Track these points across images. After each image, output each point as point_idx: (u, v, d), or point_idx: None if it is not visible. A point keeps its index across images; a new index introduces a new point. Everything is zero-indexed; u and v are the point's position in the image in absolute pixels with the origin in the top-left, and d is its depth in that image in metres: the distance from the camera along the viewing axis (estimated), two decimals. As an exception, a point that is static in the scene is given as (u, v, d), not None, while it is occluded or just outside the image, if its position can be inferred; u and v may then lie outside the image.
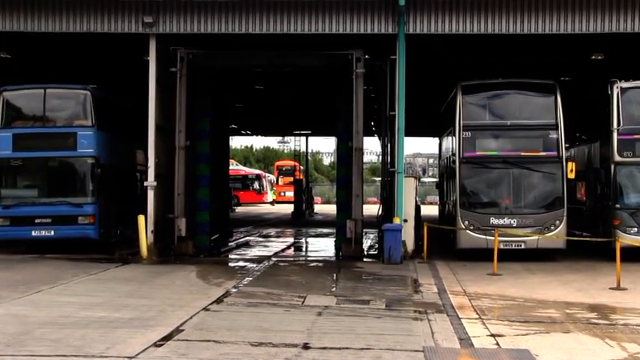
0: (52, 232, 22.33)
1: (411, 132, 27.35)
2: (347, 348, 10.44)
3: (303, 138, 59.03)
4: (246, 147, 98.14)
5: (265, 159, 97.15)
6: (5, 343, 10.47)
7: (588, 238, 21.79)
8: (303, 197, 52.32)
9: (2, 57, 25.37)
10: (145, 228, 21.62)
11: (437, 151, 36.00)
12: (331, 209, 43.37)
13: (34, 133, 22.90)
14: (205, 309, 13.49)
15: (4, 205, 22.35)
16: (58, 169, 23.05)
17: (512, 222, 21.54)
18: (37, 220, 22.27)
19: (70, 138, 22.67)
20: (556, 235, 21.32)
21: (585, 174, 24.36)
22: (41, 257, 21.69)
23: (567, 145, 23.14)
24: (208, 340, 10.83)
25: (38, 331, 11.26)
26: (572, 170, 21.60)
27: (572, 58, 26.01)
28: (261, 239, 32.51)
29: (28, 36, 22.53)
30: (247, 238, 32.32)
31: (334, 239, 26.81)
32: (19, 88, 23.24)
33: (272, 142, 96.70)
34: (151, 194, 22.08)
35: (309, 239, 32.09)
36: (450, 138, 24.62)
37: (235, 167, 65.51)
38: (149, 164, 22.23)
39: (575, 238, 21.15)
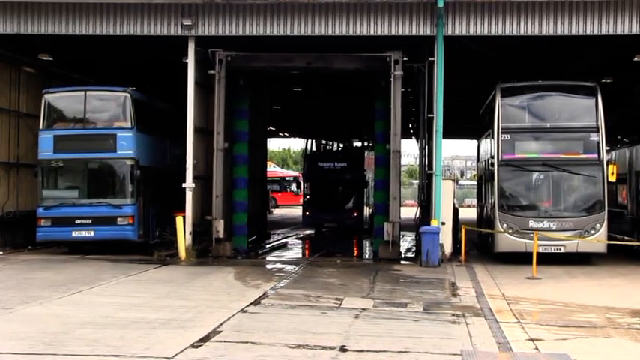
0: (92, 233, 22.57)
1: (449, 134, 27.25)
2: (384, 351, 10.42)
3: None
4: (284, 149, 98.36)
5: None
6: (47, 342, 10.62)
7: (630, 242, 21.47)
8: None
9: (44, 59, 25.73)
10: (183, 229, 21.78)
11: (475, 154, 35.74)
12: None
13: (75, 134, 23.17)
14: (243, 310, 13.54)
15: (45, 206, 22.66)
16: (98, 170, 23.29)
17: (551, 225, 21.30)
18: (77, 221, 22.52)
19: (109, 140, 22.92)
20: (597, 239, 21.05)
21: (627, 177, 24.02)
22: (81, 258, 21.96)
23: (608, 148, 22.81)
24: (246, 342, 10.87)
25: (78, 331, 11.40)
26: (613, 173, 21.29)
27: (614, 59, 25.67)
28: (298, 241, 32.56)
29: (69, 39, 22.82)
30: (284, 240, 32.37)
31: (371, 241, 26.74)
32: (60, 90, 23.53)
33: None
34: (189, 196, 22.24)
35: (346, 241, 32.02)
36: (488, 140, 24.44)
37: (273, 169, 65.63)
38: (187, 166, 22.38)
39: (616, 242, 20.84)
